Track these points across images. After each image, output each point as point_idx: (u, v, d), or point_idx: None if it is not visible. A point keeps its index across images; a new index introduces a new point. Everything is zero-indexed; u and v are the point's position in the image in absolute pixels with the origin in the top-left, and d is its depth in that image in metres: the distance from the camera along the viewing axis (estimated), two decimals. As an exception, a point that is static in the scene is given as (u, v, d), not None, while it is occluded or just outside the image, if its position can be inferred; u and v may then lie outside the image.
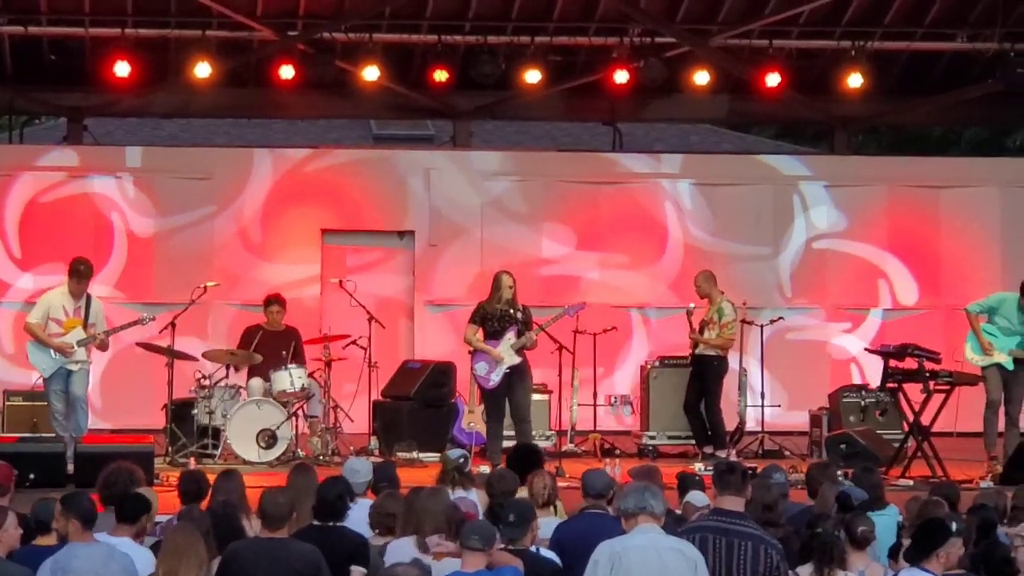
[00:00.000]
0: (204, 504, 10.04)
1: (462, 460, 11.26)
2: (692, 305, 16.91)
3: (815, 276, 20.23)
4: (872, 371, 18.10)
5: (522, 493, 10.28)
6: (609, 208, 20.09)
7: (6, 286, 19.28)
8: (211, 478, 10.68)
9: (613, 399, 18.22)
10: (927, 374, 15.45)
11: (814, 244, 20.26)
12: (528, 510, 9.13)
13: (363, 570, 8.90)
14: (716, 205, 20.19)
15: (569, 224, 20.05)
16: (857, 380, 19.08)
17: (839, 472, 11.71)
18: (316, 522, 9.42)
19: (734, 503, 8.37)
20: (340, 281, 17.71)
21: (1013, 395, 15.78)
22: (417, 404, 16.94)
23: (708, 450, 16.34)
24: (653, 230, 20.13)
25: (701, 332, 16.61)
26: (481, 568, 8.27)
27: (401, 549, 8.85)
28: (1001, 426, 15.63)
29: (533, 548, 8.97)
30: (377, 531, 9.46)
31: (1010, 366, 15.73)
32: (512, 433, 15.29)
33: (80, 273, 14.95)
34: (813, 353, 19.99)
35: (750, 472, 9.38)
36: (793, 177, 20.55)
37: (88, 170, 19.74)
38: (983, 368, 15.84)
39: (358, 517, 9.68)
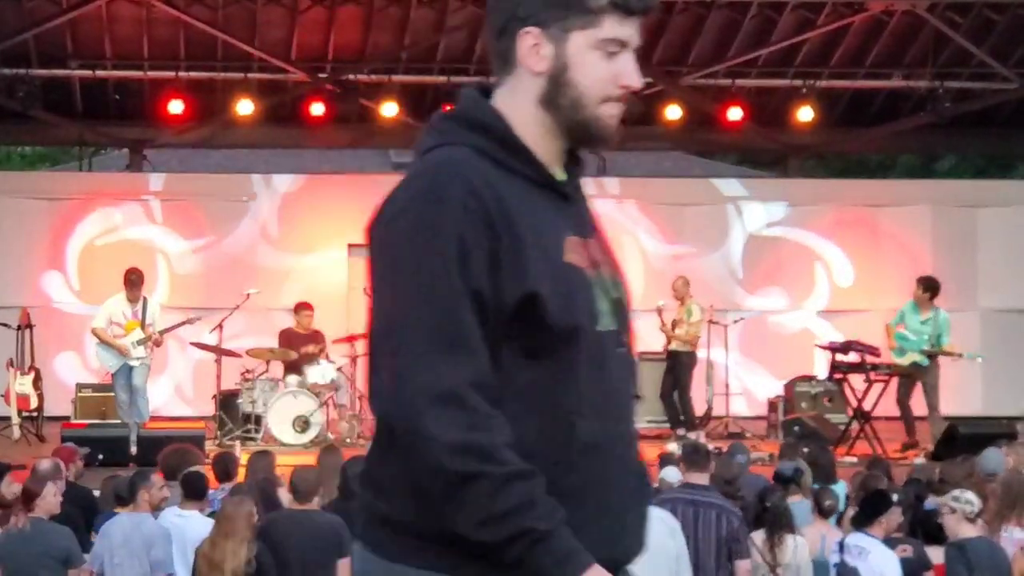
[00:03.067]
0: (238, 481, 10.07)
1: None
2: (661, 302, 16.90)
3: (766, 276, 20.20)
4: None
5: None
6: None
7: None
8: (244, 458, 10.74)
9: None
10: (868, 367, 15.45)
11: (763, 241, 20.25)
12: None
13: None
14: (682, 223, 20.19)
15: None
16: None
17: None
18: (340, 495, 9.42)
19: (700, 478, 8.40)
20: (364, 288, 17.67)
21: (928, 384, 15.68)
22: (430, 394, 16.91)
23: (681, 432, 16.33)
24: (626, 243, 20.12)
25: (673, 329, 16.62)
26: None
27: None
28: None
29: None
30: None
31: (924, 362, 15.67)
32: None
33: (132, 282, 15.00)
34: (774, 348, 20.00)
35: (715, 451, 9.40)
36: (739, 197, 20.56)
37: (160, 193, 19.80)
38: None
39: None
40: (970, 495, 8.64)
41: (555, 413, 2.78)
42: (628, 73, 2.91)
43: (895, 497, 8.75)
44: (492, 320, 2.71)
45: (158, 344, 15.11)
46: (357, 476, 9.36)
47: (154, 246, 19.34)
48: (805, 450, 10.96)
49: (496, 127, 2.91)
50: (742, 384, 18.51)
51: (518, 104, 2.93)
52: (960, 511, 8.55)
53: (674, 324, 16.60)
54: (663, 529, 7.88)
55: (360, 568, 2.86)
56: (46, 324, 18.06)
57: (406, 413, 2.66)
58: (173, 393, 18.78)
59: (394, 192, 2.87)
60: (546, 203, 2.84)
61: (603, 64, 2.88)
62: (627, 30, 2.90)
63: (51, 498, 8.68)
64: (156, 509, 8.83)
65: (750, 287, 20.06)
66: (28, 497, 8.61)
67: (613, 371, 2.94)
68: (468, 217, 2.71)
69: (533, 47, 2.91)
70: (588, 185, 3.13)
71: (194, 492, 9.13)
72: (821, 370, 17.76)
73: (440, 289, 2.67)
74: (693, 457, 8.53)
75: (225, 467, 10.20)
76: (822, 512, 8.93)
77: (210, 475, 10.22)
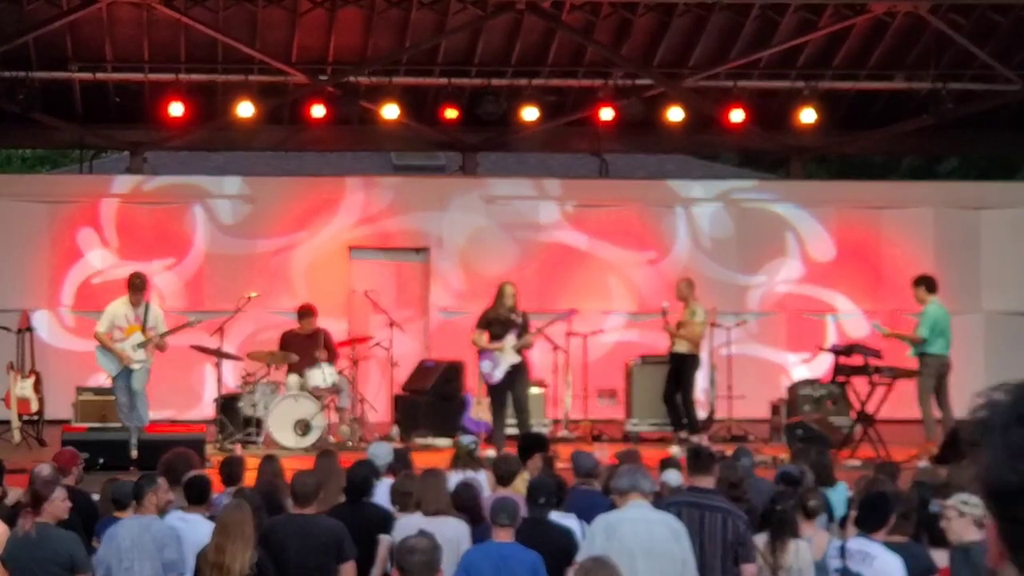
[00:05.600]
0: (244, 484, 10.05)
1: (473, 446, 11.30)
2: (666, 304, 16.86)
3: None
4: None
5: (524, 475, 10.27)
6: (596, 225, 20.03)
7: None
8: (249, 461, 10.71)
9: (601, 391, 18.18)
10: (871, 369, 15.42)
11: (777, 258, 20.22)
12: (553, 494, 9.10)
13: (389, 537, 8.88)
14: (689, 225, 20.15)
15: (561, 239, 19.99)
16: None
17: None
18: (346, 499, 9.40)
19: (705, 481, 8.37)
20: (365, 291, 17.68)
21: (918, 387, 15.66)
22: (432, 397, 16.91)
23: (683, 435, 16.31)
24: (639, 245, 20.06)
25: (677, 330, 16.60)
26: (509, 540, 8.24)
27: (410, 523, 8.81)
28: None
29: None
30: (398, 507, 9.44)
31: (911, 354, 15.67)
32: (514, 422, 15.27)
33: (135, 286, 15.01)
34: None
35: (718, 455, 9.38)
36: (758, 199, 20.52)
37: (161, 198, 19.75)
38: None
39: (382, 493, 9.69)
40: (974, 499, 8.58)
41: None
42: None
43: (895, 500, 8.71)
44: None
45: (162, 349, 15.08)
46: (363, 480, 9.43)
47: (160, 247, 19.34)
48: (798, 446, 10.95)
49: None
50: (745, 387, 18.47)
51: None
52: (970, 515, 8.48)
53: (679, 325, 16.59)
54: (668, 534, 7.86)
55: None
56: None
57: None
58: (173, 396, 18.75)
59: None
60: None
61: None
62: None
63: (59, 503, 8.65)
64: (162, 512, 8.82)
65: (751, 289, 20.03)
66: (36, 501, 8.57)
67: None
68: None
69: None
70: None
71: (198, 496, 9.12)
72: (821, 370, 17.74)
73: None
74: (697, 461, 8.51)
75: (231, 471, 10.18)
76: (807, 513, 8.91)
77: (216, 479, 10.23)
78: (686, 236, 20.08)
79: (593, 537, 7.92)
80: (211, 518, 8.84)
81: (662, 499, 9.11)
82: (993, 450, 2.23)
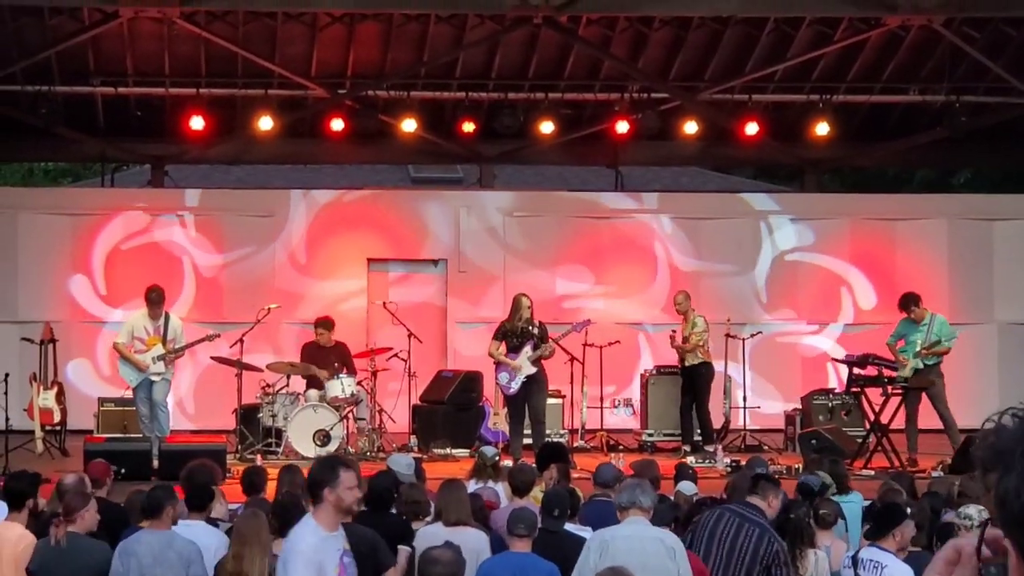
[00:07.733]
0: (268, 494, 10.08)
1: (496, 458, 11.37)
2: (674, 329, 16.93)
3: (789, 297, 20.13)
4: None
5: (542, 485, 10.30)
6: (610, 238, 20.03)
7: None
8: (271, 472, 10.74)
9: (617, 402, 18.19)
10: (885, 380, 15.42)
11: (788, 263, 20.17)
12: (567, 506, 9.12)
13: (408, 548, 8.90)
14: (700, 237, 20.12)
15: (576, 252, 20.00)
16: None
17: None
18: (368, 509, 9.41)
19: (758, 500, 8.42)
20: (384, 302, 17.71)
21: (935, 397, 15.67)
22: (450, 407, 16.92)
23: (687, 448, 16.37)
24: (645, 258, 20.04)
25: (684, 343, 16.63)
26: (526, 550, 8.25)
27: (430, 533, 8.83)
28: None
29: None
30: (404, 517, 9.44)
31: (920, 365, 15.66)
32: (529, 433, 15.29)
33: (152, 300, 15.08)
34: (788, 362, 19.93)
35: (732, 464, 9.41)
36: (768, 212, 20.49)
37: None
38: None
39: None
40: (971, 510, 8.55)
41: None
42: None
43: (908, 510, 8.71)
44: None
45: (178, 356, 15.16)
46: (385, 491, 9.44)
47: (175, 261, 19.38)
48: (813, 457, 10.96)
49: None
50: (759, 397, 18.49)
51: None
52: (962, 527, 8.48)
53: (685, 340, 16.63)
54: (661, 549, 7.85)
55: None
56: (68, 337, 18.15)
57: None
58: (194, 407, 18.81)
59: None
60: None
61: None
62: None
63: (92, 514, 8.69)
64: (173, 523, 8.83)
65: (767, 300, 20.02)
66: (69, 511, 8.61)
67: None
68: None
69: None
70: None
71: (199, 502, 9.12)
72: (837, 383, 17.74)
73: None
74: (755, 485, 8.59)
75: (252, 481, 10.21)
76: (819, 522, 8.93)
77: (238, 489, 10.26)
78: (707, 249, 20.08)
79: (587, 553, 7.92)
80: (228, 531, 8.86)
81: (680, 508, 9.13)
82: (1011, 478, 2.20)
